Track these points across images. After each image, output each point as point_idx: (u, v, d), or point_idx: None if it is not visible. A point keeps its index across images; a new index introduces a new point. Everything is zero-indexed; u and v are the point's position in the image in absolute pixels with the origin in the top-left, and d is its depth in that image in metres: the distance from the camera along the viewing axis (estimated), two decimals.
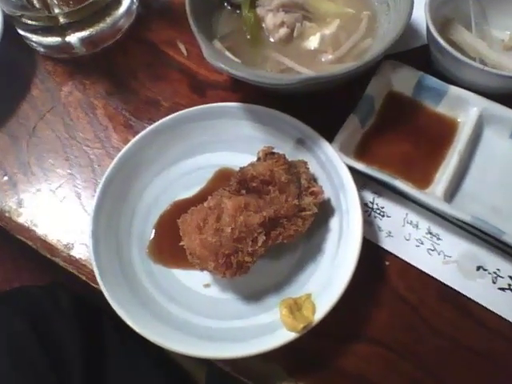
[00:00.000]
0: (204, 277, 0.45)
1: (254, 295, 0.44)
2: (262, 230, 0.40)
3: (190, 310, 0.43)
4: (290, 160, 0.45)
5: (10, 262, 0.95)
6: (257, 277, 0.44)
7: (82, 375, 0.61)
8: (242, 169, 0.44)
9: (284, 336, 0.39)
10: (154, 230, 0.47)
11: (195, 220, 0.41)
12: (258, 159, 0.46)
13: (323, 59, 0.52)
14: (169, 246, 0.45)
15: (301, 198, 0.43)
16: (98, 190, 0.46)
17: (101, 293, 0.43)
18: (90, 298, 0.70)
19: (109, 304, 0.42)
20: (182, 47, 0.61)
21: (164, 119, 0.50)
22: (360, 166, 0.46)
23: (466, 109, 0.51)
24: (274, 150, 0.46)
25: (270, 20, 0.54)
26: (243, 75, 0.44)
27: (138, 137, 0.49)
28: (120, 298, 0.42)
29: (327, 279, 0.42)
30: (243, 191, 0.42)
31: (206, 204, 0.42)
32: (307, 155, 0.48)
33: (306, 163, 0.46)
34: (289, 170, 0.44)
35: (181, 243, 0.42)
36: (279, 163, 0.44)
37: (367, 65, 0.46)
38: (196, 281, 0.45)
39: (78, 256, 0.49)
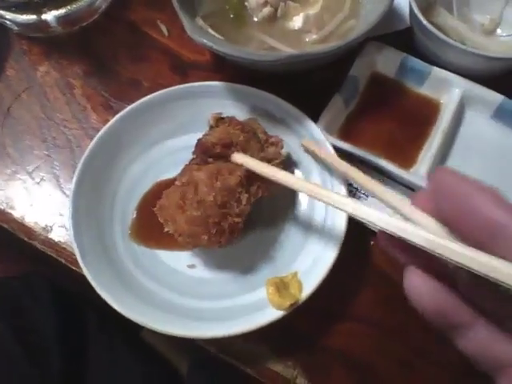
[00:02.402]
0: (188, 257, 0.44)
1: (239, 275, 0.43)
2: (242, 189, 0.40)
3: (175, 290, 0.42)
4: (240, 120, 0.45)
5: None
6: (242, 256, 0.44)
7: (61, 364, 0.59)
8: (199, 140, 0.43)
9: (271, 314, 0.39)
10: (135, 212, 0.46)
11: (173, 201, 0.40)
12: (211, 127, 0.45)
13: (307, 39, 0.52)
14: (151, 227, 0.44)
15: (264, 150, 0.44)
16: (77, 171, 0.44)
17: (80, 279, 0.42)
18: (67, 286, 0.68)
19: (88, 291, 0.41)
20: (163, 27, 0.59)
21: (144, 98, 0.49)
22: (345, 146, 0.46)
23: (448, 90, 0.51)
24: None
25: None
26: (227, 51, 0.43)
27: (117, 116, 0.48)
28: (103, 280, 0.41)
29: (313, 258, 0.42)
30: (210, 159, 0.42)
31: (177, 183, 0.42)
32: (291, 136, 0.48)
33: (255, 119, 0.46)
34: (244, 128, 0.44)
35: (165, 230, 0.41)
36: (233, 125, 0.44)
37: (351, 44, 0.45)
38: (180, 262, 0.44)
39: (56, 239, 0.47)
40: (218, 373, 0.69)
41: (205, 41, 0.43)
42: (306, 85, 0.52)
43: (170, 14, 0.58)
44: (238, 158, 0.41)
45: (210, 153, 0.42)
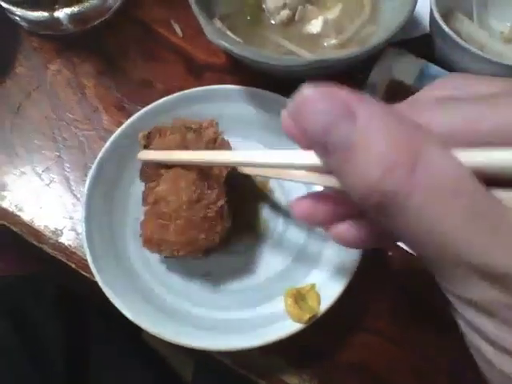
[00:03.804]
0: (203, 266, 0.43)
1: (255, 285, 0.42)
2: (206, 176, 0.39)
3: (189, 299, 0.41)
4: (164, 125, 0.43)
5: None
6: (257, 265, 0.43)
7: (63, 365, 0.58)
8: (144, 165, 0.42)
9: (289, 327, 0.38)
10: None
11: (154, 226, 0.39)
12: (144, 147, 0.43)
13: (325, 44, 0.51)
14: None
15: (203, 135, 0.42)
16: (91, 173, 0.43)
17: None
18: (72, 286, 0.67)
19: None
20: (177, 27, 0.58)
21: (159, 101, 0.47)
22: None
23: None
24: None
25: (271, 1, 0.52)
26: (248, 55, 0.42)
27: (132, 118, 0.46)
28: (115, 287, 0.39)
29: (331, 269, 0.41)
30: (162, 171, 0.40)
31: (146, 208, 0.40)
32: None
33: (178, 117, 0.44)
34: (173, 130, 0.42)
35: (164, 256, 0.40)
36: (163, 134, 0.42)
37: (373, 50, 0.45)
38: (195, 270, 0.43)
39: (66, 243, 0.46)
40: (225, 377, 0.68)
41: (225, 44, 0.42)
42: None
43: (184, 13, 0.57)
44: (143, 155, 0.40)
45: (157, 167, 0.41)
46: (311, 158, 0.23)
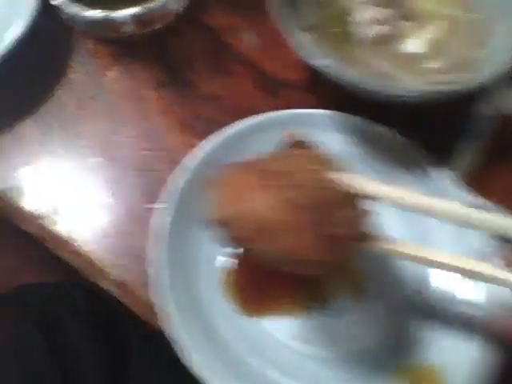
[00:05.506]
0: (295, 326, 0.36)
1: (357, 355, 0.35)
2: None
3: (277, 367, 0.34)
4: None
5: (12, 256, 0.83)
6: (358, 331, 0.36)
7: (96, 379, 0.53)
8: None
9: None
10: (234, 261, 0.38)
11: (249, 174, 0.28)
12: (282, 147, 0.37)
13: (426, 66, 0.45)
14: (254, 287, 0.36)
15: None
16: (168, 208, 0.37)
17: None
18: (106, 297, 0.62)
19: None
20: (247, 35, 0.52)
21: (241, 125, 0.42)
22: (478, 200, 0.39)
23: None
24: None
25: (360, 15, 0.46)
26: (348, 79, 0.35)
27: (212, 143, 0.41)
28: (194, 347, 0.34)
29: (464, 341, 0.33)
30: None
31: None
32: (408, 183, 0.40)
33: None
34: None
35: (210, 218, 0.28)
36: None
37: (492, 79, 0.39)
38: (284, 329, 0.36)
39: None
40: None
41: (319, 62, 0.35)
42: (417, 115, 0.45)
43: (257, 20, 0.51)
44: (346, 178, 0.28)
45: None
46: None
